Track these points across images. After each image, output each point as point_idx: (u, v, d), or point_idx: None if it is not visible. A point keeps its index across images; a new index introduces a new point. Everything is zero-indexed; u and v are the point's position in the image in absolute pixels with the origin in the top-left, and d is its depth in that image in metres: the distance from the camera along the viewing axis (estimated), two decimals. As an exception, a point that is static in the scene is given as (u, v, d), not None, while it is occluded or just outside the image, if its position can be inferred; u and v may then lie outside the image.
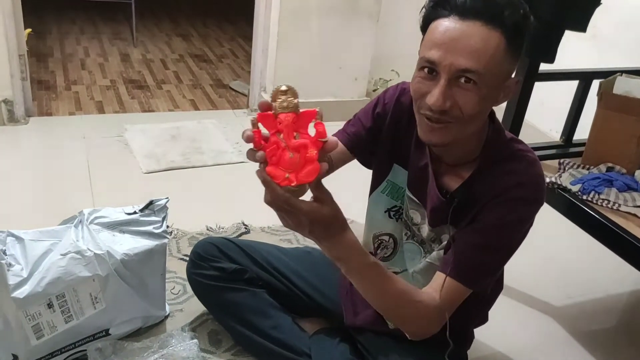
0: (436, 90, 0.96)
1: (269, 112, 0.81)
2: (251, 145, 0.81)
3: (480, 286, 1.11)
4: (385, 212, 1.28)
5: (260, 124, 0.81)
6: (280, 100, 0.80)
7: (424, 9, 1.01)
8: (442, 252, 1.16)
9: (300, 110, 0.81)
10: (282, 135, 0.80)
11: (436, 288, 1.08)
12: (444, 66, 0.95)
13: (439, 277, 1.10)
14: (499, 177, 1.06)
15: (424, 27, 1.01)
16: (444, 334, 1.07)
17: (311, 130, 0.82)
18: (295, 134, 0.81)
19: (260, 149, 0.80)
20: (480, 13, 0.93)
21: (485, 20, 0.93)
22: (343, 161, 1.27)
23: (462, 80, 0.95)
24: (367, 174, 1.31)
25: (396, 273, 1.26)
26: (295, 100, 0.81)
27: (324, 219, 0.87)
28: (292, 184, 0.80)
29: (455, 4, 0.95)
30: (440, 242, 1.17)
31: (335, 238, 0.92)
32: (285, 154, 0.80)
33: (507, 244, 1.09)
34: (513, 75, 1.04)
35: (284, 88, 0.81)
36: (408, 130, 1.18)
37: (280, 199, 0.82)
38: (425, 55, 0.97)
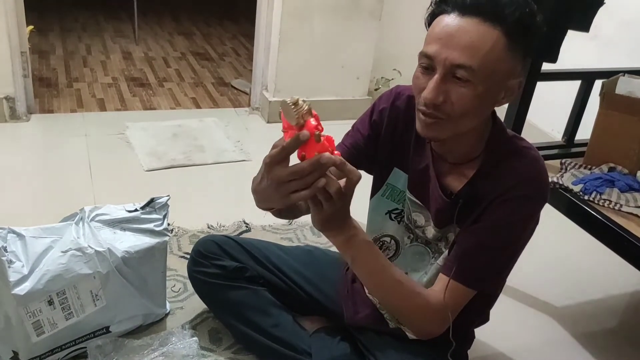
0: (430, 84, 0.97)
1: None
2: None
3: (486, 287, 1.10)
4: (386, 214, 1.27)
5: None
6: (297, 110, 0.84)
7: (430, 7, 1.02)
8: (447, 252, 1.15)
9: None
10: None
11: (440, 290, 1.08)
12: (439, 60, 0.96)
13: (442, 279, 1.09)
14: (503, 175, 1.06)
15: (429, 24, 1.01)
16: (447, 335, 1.07)
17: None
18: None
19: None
20: (480, 10, 0.94)
21: (484, 17, 0.94)
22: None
23: (457, 76, 0.96)
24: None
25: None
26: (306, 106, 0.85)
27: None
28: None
29: (456, 0, 0.95)
30: (447, 240, 1.17)
31: (348, 220, 0.98)
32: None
33: (513, 243, 1.09)
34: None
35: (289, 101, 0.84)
36: (406, 133, 1.18)
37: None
38: (423, 50, 0.99)
